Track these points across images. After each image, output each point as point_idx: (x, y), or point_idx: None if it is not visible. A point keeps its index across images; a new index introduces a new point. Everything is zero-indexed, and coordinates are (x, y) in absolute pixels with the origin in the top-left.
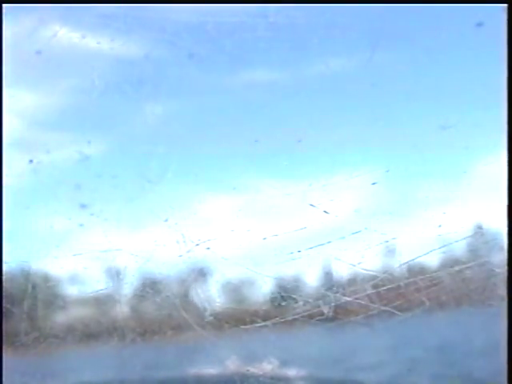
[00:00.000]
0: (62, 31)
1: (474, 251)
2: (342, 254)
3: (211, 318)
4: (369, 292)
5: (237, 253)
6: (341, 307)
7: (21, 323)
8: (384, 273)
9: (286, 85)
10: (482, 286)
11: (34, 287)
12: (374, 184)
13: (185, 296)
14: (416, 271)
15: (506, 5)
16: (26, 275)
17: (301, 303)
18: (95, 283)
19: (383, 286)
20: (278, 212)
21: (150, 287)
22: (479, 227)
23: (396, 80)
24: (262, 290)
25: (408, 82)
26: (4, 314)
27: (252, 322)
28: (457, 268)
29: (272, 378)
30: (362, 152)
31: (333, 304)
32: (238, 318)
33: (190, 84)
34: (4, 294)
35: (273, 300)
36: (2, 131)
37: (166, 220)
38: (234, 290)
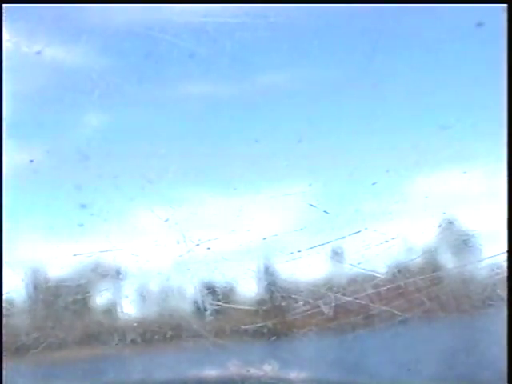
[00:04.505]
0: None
1: (473, 251)
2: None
3: (211, 317)
4: (369, 292)
5: (237, 253)
6: (341, 307)
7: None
8: (384, 273)
9: (287, 85)
10: (482, 286)
11: (34, 287)
12: (374, 184)
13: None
14: (416, 271)
15: (505, 5)
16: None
17: (301, 303)
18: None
19: (383, 286)
20: (277, 212)
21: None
22: (479, 227)
23: (396, 80)
24: (262, 289)
25: (408, 82)
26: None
27: (252, 322)
28: (457, 268)
29: (272, 378)
30: (362, 152)
31: (333, 304)
32: (238, 319)
33: (191, 84)
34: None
35: (273, 300)
36: (2, 131)
37: (167, 220)
38: (234, 290)
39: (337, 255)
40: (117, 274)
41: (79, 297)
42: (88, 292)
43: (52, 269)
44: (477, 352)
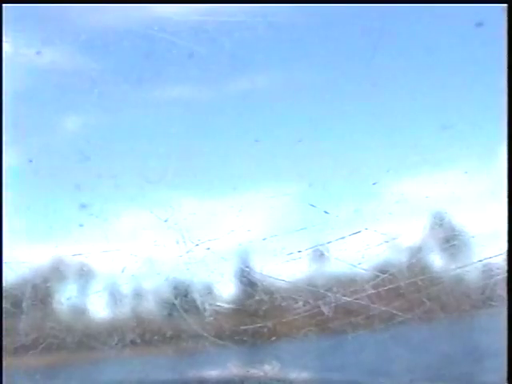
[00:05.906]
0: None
1: (473, 251)
2: (341, 254)
3: (211, 318)
4: (369, 292)
5: (237, 253)
6: (341, 307)
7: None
8: (384, 273)
9: (287, 85)
10: (483, 286)
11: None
12: (374, 184)
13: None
14: (416, 271)
15: (505, 5)
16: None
17: (300, 303)
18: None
19: (383, 286)
20: (277, 212)
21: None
22: (479, 227)
23: (396, 80)
24: (262, 289)
25: (408, 81)
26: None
27: (252, 322)
28: (457, 268)
29: (272, 379)
30: (362, 152)
31: (333, 304)
32: (237, 319)
33: (191, 83)
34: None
35: (272, 300)
36: (2, 131)
37: (166, 220)
38: (234, 290)
39: (336, 255)
40: (115, 274)
41: (76, 296)
42: (86, 292)
43: (50, 268)
44: (477, 352)
